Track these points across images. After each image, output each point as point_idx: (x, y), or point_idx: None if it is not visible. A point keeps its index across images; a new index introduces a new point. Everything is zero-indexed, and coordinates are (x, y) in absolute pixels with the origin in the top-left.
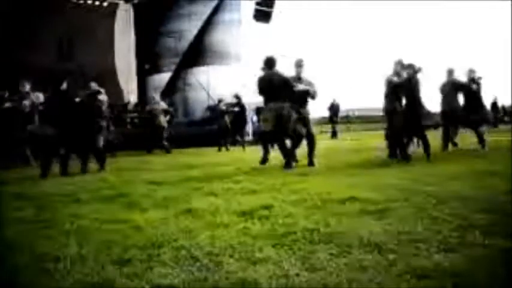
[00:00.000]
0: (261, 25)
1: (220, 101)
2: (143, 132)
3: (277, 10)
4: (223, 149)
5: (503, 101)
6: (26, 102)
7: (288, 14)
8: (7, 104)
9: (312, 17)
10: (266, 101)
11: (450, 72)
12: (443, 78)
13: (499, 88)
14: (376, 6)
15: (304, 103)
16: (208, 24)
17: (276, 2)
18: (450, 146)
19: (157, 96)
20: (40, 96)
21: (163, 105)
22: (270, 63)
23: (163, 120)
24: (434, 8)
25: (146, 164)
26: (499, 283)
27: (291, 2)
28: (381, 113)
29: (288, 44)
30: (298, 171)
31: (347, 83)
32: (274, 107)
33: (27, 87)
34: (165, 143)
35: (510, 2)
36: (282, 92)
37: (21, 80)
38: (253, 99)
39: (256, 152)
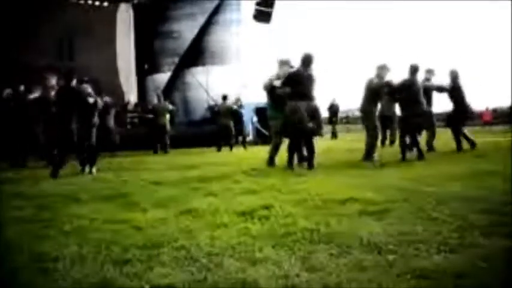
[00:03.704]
0: (261, 25)
1: (223, 98)
2: (148, 132)
3: (277, 10)
4: (229, 149)
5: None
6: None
7: (287, 14)
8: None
9: (311, 17)
10: None
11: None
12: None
13: (498, 88)
14: (376, 7)
15: None
16: (208, 24)
17: (276, 2)
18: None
19: (161, 97)
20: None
21: (167, 105)
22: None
23: (167, 120)
24: (434, 9)
25: (146, 164)
26: (499, 283)
27: (290, 2)
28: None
29: (288, 44)
30: (299, 171)
31: (346, 83)
32: None
33: (54, 81)
34: (167, 143)
35: (510, 2)
36: None
37: (47, 75)
38: (253, 99)
39: (256, 151)
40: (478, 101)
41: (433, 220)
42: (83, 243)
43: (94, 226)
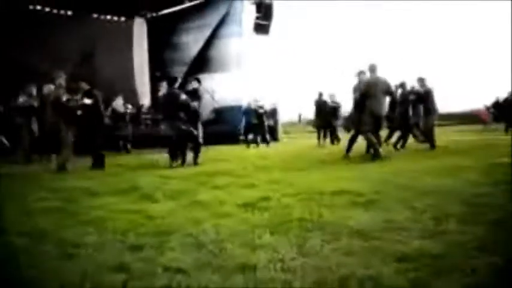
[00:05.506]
0: (261, 36)
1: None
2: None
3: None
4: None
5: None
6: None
7: (285, 14)
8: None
9: (306, 18)
10: None
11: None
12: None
13: (498, 88)
14: (376, 7)
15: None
16: (213, 36)
17: (275, 8)
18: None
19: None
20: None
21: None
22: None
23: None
24: (433, 9)
25: (157, 161)
26: (473, 265)
27: (287, 5)
28: None
29: (285, 47)
30: (295, 167)
31: (341, 82)
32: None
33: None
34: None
35: (510, 2)
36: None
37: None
38: (251, 102)
39: (256, 150)
40: (480, 99)
41: (414, 209)
42: (102, 231)
43: (111, 216)
